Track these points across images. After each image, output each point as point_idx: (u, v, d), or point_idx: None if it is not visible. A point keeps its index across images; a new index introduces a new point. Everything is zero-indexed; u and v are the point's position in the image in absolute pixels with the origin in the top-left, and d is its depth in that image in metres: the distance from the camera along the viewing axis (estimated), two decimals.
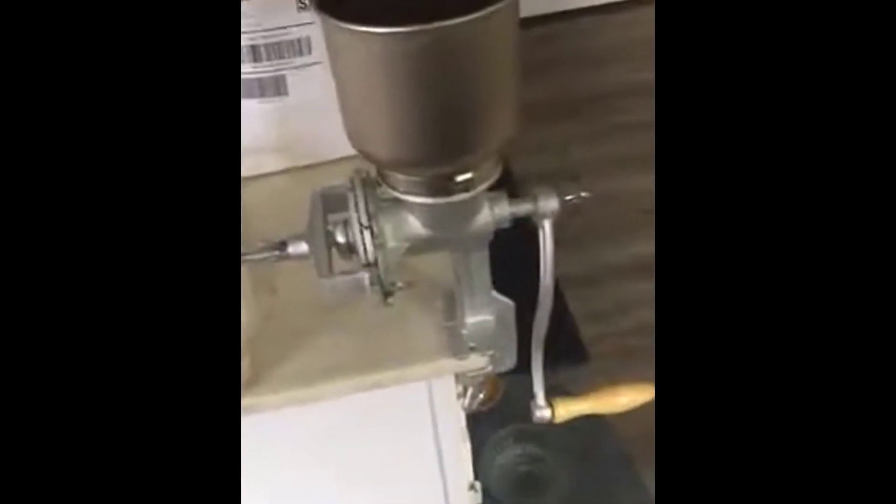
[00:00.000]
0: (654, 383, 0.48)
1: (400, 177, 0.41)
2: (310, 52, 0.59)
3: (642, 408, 0.57)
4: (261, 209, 0.58)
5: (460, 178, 0.40)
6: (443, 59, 0.34)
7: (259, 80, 0.60)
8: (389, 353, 0.50)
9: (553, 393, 0.54)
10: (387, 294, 0.42)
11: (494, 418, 0.77)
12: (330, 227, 0.43)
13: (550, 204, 0.44)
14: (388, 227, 0.43)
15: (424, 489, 0.60)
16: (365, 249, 0.41)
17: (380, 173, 0.42)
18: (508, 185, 0.45)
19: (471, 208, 0.43)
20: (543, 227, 0.45)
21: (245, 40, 0.58)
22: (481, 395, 0.58)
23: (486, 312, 0.49)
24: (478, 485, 0.64)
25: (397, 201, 0.42)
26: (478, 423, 0.63)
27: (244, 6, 0.55)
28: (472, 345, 0.50)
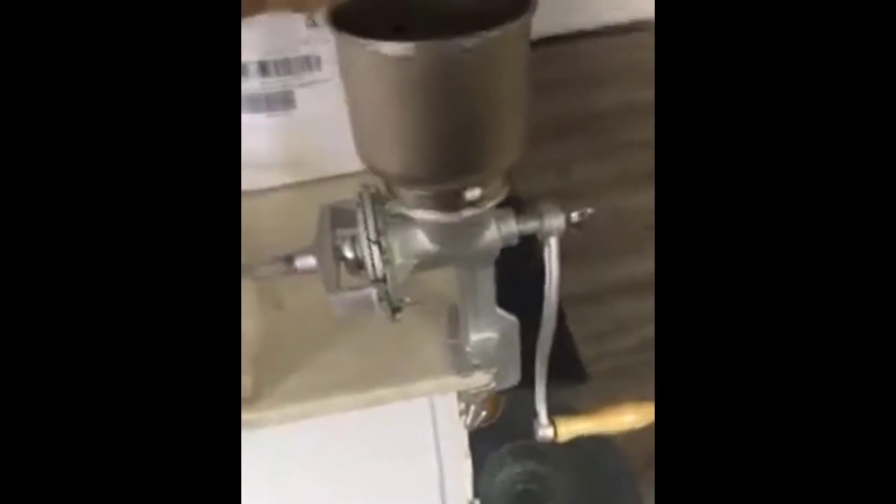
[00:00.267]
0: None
1: (409, 193, 0.41)
2: (319, 68, 0.60)
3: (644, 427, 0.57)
4: (266, 223, 0.59)
5: (469, 194, 0.40)
6: (455, 76, 0.35)
7: (267, 95, 0.60)
8: (393, 369, 0.50)
9: (554, 411, 0.54)
10: (395, 310, 0.42)
11: (494, 435, 0.77)
12: (338, 242, 0.43)
13: (556, 221, 0.44)
14: (396, 243, 0.43)
15: None
16: (373, 265, 0.42)
17: (388, 189, 0.42)
18: (513, 203, 0.45)
19: (479, 225, 0.43)
20: (549, 245, 0.45)
21: (254, 56, 0.59)
22: (483, 413, 0.58)
23: (490, 330, 0.49)
24: (477, 502, 0.64)
25: (406, 217, 0.42)
26: (477, 441, 0.62)
27: (254, 22, 0.56)
28: (475, 362, 0.50)
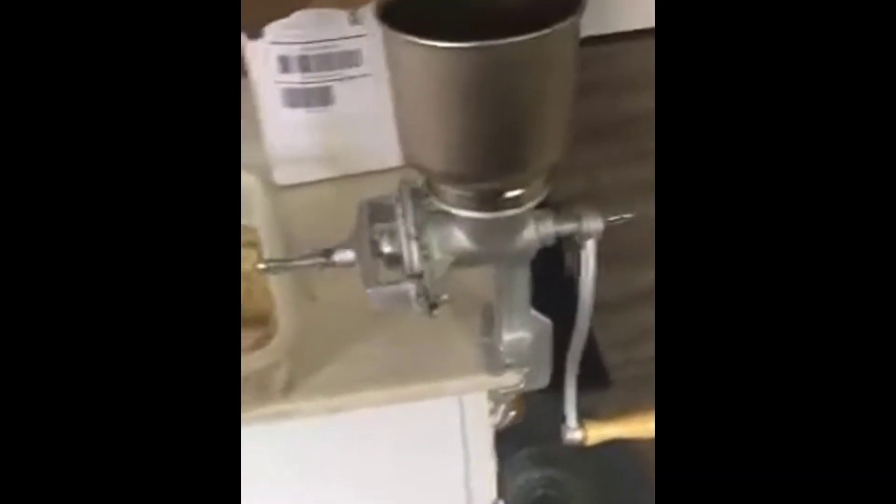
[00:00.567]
0: None
1: (450, 190, 0.41)
2: (358, 64, 0.60)
3: None
4: (302, 217, 0.59)
5: (510, 194, 0.41)
6: (504, 76, 0.35)
7: (307, 90, 0.61)
8: (425, 366, 0.50)
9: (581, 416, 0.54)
10: (432, 306, 0.42)
11: (513, 440, 0.77)
12: (376, 237, 0.44)
13: (595, 224, 0.44)
14: (434, 240, 0.43)
15: None
16: (411, 260, 0.42)
17: (429, 185, 0.42)
18: (549, 205, 0.45)
19: (517, 225, 0.43)
20: (586, 248, 0.45)
21: (295, 51, 0.59)
22: (512, 413, 0.58)
23: (523, 330, 0.49)
24: (501, 503, 0.64)
25: (445, 214, 0.42)
26: (497, 444, 0.62)
27: (298, 17, 0.56)
28: (508, 361, 0.50)
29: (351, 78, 0.61)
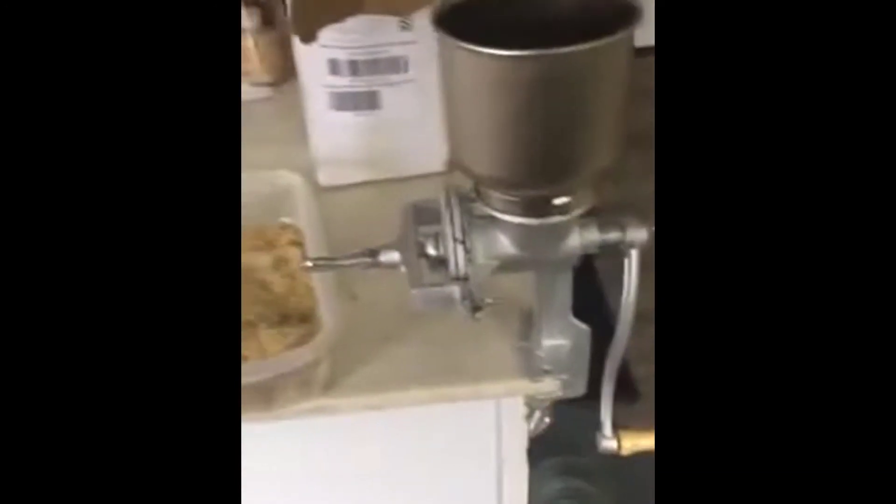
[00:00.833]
0: None
1: (497, 195, 0.42)
2: (406, 69, 0.61)
3: None
4: (344, 218, 0.60)
5: (557, 201, 0.41)
6: (558, 84, 0.35)
7: (355, 93, 0.62)
8: (464, 368, 0.51)
9: (599, 428, 0.54)
10: (476, 308, 0.43)
11: (537, 450, 0.77)
12: (421, 239, 0.44)
13: (639, 234, 0.44)
14: (479, 244, 0.44)
15: None
16: (457, 263, 0.42)
17: (476, 190, 0.43)
18: (594, 213, 0.45)
19: (562, 232, 0.43)
20: (630, 257, 0.45)
21: (345, 55, 0.60)
22: (546, 420, 0.58)
23: (562, 336, 0.49)
24: None
25: (491, 219, 0.43)
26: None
27: (350, 22, 0.57)
28: (546, 367, 0.50)
29: (397, 83, 0.62)
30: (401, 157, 0.65)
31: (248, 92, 0.81)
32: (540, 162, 0.39)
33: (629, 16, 0.36)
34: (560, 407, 0.56)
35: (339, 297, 0.51)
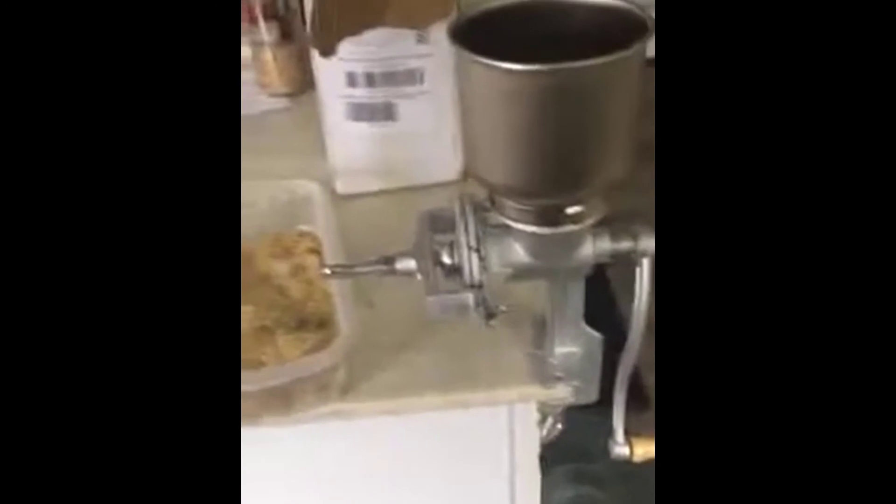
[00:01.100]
0: None
1: (511, 204, 0.43)
2: (422, 81, 0.62)
3: None
4: (362, 226, 0.61)
5: (570, 210, 0.42)
6: (572, 97, 0.36)
7: (372, 105, 0.63)
8: (478, 374, 0.52)
9: (610, 436, 0.55)
10: (490, 316, 0.44)
11: (551, 456, 0.77)
12: (436, 247, 0.45)
13: (651, 243, 0.45)
14: (493, 252, 0.44)
15: None
16: (471, 271, 0.43)
17: (491, 199, 0.44)
18: (606, 222, 0.46)
19: (575, 241, 0.44)
20: (642, 266, 0.46)
21: (362, 67, 0.62)
22: (558, 427, 0.59)
23: (574, 344, 0.50)
24: None
25: (505, 227, 0.44)
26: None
27: (368, 34, 0.59)
28: (558, 374, 0.51)
29: (413, 95, 0.63)
30: (416, 167, 0.66)
31: (266, 103, 0.83)
32: (553, 172, 0.40)
33: (642, 30, 0.37)
34: (572, 413, 0.56)
35: (356, 303, 0.52)
